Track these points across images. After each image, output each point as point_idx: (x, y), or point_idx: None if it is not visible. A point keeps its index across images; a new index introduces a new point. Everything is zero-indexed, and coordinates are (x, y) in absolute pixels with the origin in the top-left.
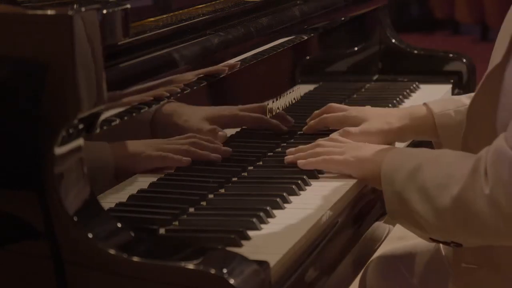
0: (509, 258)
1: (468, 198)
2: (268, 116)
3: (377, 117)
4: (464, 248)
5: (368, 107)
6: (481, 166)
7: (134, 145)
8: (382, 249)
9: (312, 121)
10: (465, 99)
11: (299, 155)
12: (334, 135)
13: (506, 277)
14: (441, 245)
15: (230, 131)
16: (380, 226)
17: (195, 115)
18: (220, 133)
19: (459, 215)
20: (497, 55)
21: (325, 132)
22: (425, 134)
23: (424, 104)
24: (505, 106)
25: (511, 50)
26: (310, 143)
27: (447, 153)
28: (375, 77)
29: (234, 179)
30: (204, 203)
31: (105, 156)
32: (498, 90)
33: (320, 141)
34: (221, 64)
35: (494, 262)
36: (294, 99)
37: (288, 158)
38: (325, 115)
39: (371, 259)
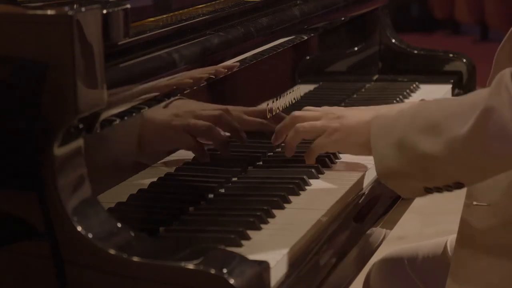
0: None
1: (494, 111)
2: (268, 116)
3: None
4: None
5: (350, 109)
6: (505, 76)
7: (168, 116)
8: (383, 250)
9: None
10: None
11: (277, 128)
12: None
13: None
14: (448, 246)
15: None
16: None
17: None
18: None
19: (480, 136)
20: None
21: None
22: None
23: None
24: None
25: None
26: (310, 143)
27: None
28: (375, 77)
29: (234, 179)
30: (204, 203)
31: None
32: None
33: (296, 115)
34: (221, 64)
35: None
36: (294, 99)
37: (272, 140)
38: (298, 126)
39: (374, 261)
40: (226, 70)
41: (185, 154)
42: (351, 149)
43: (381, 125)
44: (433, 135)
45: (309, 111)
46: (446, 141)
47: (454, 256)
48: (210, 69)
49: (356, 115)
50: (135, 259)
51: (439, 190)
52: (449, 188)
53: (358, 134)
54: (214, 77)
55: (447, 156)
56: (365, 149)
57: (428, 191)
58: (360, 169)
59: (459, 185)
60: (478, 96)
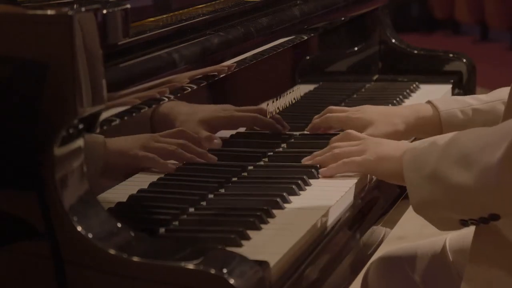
0: None
1: None
2: (268, 117)
3: (382, 119)
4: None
5: (369, 107)
6: None
7: (125, 141)
8: (383, 251)
9: (317, 119)
10: (470, 100)
11: (317, 159)
12: (348, 132)
13: None
14: (447, 245)
15: (230, 131)
16: (377, 228)
17: (193, 117)
18: (215, 141)
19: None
20: None
21: (326, 135)
22: (428, 133)
23: (429, 102)
24: None
25: None
26: (310, 143)
27: (478, 127)
28: (375, 77)
29: (234, 179)
30: (204, 203)
31: (98, 150)
32: None
33: (335, 142)
34: (221, 64)
35: None
36: (294, 99)
37: (304, 161)
38: (328, 114)
39: (372, 259)
40: (226, 70)
41: None
42: (383, 174)
43: (415, 156)
44: (465, 166)
45: (350, 138)
46: (478, 172)
47: (465, 275)
48: (210, 69)
49: (391, 143)
50: (135, 259)
51: (474, 222)
52: (485, 220)
53: (390, 161)
54: (214, 77)
55: (479, 187)
56: (398, 178)
57: (463, 223)
58: None
59: (494, 217)
60: (509, 124)
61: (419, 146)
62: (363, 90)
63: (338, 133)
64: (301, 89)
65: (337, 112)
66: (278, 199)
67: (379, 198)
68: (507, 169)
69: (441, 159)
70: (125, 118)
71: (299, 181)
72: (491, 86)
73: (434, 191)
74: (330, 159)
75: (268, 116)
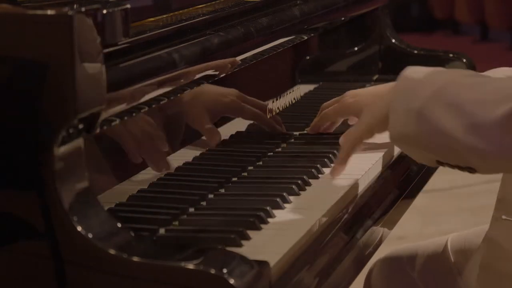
0: None
1: None
2: (268, 116)
3: (377, 100)
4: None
5: (357, 90)
6: None
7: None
8: (383, 250)
9: (315, 119)
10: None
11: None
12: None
13: None
14: (448, 245)
15: (230, 131)
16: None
17: (197, 99)
18: (215, 136)
19: (508, 131)
20: None
21: (326, 134)
22: None
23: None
24: None
25: None
26: (310, 143)
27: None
28: (375, 77)
29: (234, 179)
30: (204, 203)
31: None
32: None
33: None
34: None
35: None
36: (294, 99)
37: (334, 172)
38: (324, 111)
39: (373, 260)
40: (226, 70)
41: (185, 154)
42: (382, 123)
43: (407, 87)
44: (456, 115)
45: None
46: (469, 125)
47: (477, 284)
48: (210, 69)
49: (378, 86)
50: (135, 259)
51: (451, 166)
52: (461, 168)
53: (383, 100)
54: (214, 77)
55: (467, 141)
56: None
57: (439, 163)
58: (360, 169)
59: (471, 170)
60: (504, 87)
61: (415, 75)
62: None
63: (338, 134)
64: (301, 89)
65: (331, 106)
66: (278, 199)
67: (379, 198)
68: (500, 132)
69: (434, 99)
70: (125, 118)
71: (299, 181)
72: None
73: (417, 129)
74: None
75: (268, 116)
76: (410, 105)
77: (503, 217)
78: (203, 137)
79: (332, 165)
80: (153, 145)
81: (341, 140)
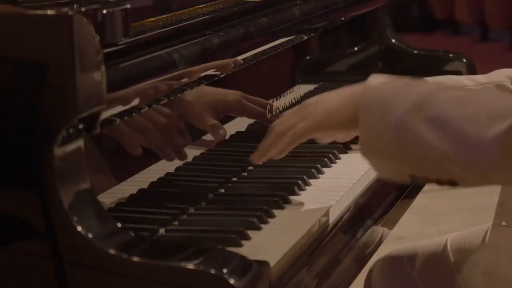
0: None
1: None
2: (269, 116)
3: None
4: None
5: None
6: None
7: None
8: (383, 250)
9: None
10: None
11: (262, 146)
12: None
13: None
14: (448, 245)
15: (230, 131)
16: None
17: (201, 98)
18: (220, 131)
19: (504, 148)
20: None
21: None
22: None
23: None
24: None
25: None
26: (309, 143)
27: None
28: None
29: (234, 179)
30: (204, 203)
31: None
32: None
33: (274, 123)
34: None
35: None
36: (294, 99)
37: (254, 157)
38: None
39: (374, 260)
40: (226, 70)
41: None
42: (340, 125)
43: (376, 100)
44: (440, 130)
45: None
46: (457, 140)
47: None
48: (210, 69)
49: (332, 94)
50: (135, 259)
51: (426, 181)
52: (441, 182)
53: (345, 109)
54: (214, 77)
55: (452, 155)
56: (352, 125)
57: (413, 178)
58: (361, 169)
59: (453, 183)
60: (495, 103)
61: (381, 90)
62: None
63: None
64: (301, 89)
65: (283, 123)
66: (278, 199)
67: (379, 198)
68: (494, 149)
69: (412, 112)
70: (125, 118)
71: (299, 181)
72: None
73: (395, 142)
74: (275, 139)
75: (269, 116)
76: (385, 119)
77: (503, 223)
78: (203, 137)
79: (332, 165)
80: (174, 136)
81: (276, 124)
